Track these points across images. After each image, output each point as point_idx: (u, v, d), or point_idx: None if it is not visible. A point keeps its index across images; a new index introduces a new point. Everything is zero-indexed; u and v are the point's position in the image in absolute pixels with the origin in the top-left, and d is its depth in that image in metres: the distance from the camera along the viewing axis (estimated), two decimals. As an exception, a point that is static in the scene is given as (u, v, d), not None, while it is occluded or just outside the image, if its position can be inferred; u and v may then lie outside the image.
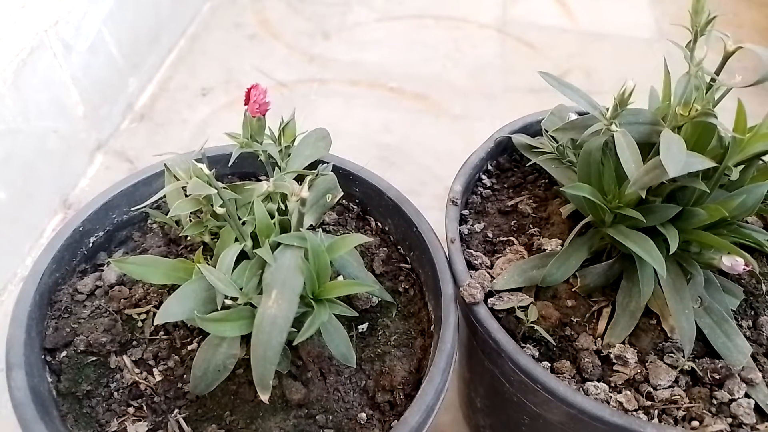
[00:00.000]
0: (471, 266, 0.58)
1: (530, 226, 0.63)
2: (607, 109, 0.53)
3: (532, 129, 0.68)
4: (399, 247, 0.63)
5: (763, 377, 0.53)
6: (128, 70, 1.19)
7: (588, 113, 0.55)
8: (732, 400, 0.51)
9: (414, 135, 1.20)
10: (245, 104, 0.49)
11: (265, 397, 0.43)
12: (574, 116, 0.62)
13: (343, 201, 0.66)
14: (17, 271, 0.93)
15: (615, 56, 1.38)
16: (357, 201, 0.66)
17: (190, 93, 1.26)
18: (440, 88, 1.30)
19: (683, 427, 0.50)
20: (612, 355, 0.53)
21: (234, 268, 0.47)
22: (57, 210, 1.02)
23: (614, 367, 0.53)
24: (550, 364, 0.53)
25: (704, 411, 0.51)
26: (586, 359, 0.53)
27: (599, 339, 0.55)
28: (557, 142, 0.61)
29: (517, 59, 1.38)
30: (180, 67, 1.32)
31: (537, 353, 0.54)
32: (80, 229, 0.57)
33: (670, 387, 0.52)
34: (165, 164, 0.53)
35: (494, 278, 0.57)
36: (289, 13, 1.49)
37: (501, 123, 0.70)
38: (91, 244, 0.59)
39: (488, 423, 0.70)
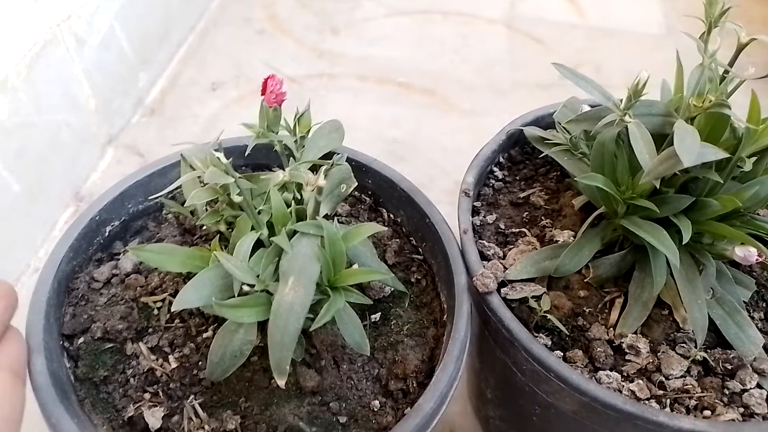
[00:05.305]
0: (483, 257, 0.59)
1: (542, 217, 0.63)
2: (621, 101, 0.53)
3: (544, 122, 0.68)
4: (411, 238, 0.64)
5: (775, 368, 0.53)
6: (139, 64, 1.19)
7: (600, 105, 0.55)
8: (744, 390, 0.52)
9: (422, 130, 1.20)
10: (262, 94, 0.49)
11: (281, 382, 0.44)
12: (586, 108, 0.62)
13: (356, 192, 0.67)
14: (30, 263, 0.94)
15: (624, 52, 1.38)
16: (369, 192, 0.66)
17: (200, 88, 1.27)
18: (448, 84, 1.30)
19: (695, 416, 0.50)
20: (624, 345, 0.54)
21: (250, 257, 0.48)
22: (69, 203, 1.03)
23: (626, 357, 0.54)
24: (562, 354, 0.54)
25: (716, 401, 0.51)
26: (599, 349, 0.53)
27: (611, 329, 0.55)
28: (570, 134, 0.62)
29: (525, 55, 1.38)
30: (190, 62, 1.32)
31: (549, 343, 0.54)
32: (97, 218, 0.58)
33: (682, 377, 0.52)
34: (181, 154, 0.54)
35: (507, 269, 0.57)
36: (298, 8, 1.49)
37: (509, 118, 0.70)
38: (107, 234, 0.59)
39: (498, 414, 0.70)
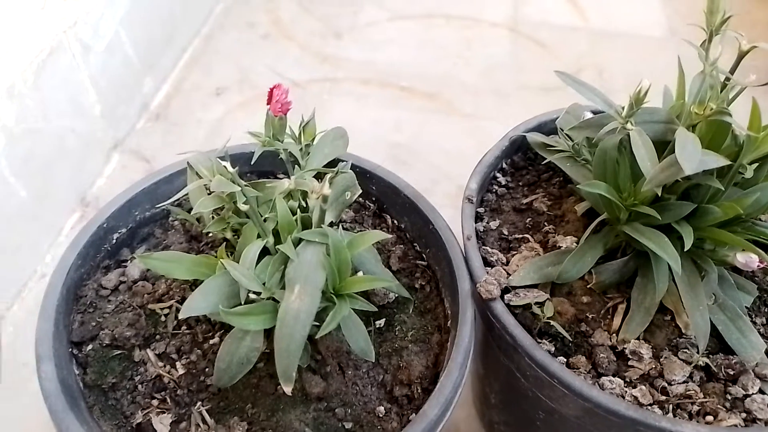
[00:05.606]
0: (487, 263, 0.59)
1: (545, 223, 0.64)
2: (623, 108, 0.53)
3: (547, 128, 0.69)
4: (415, 244, 0.64)
5: (777, 373, 0.53)
6: (144, 70, 1.20)
7: (603, 112, 0.56)
8: (746, 396, 0.52)
9: (425, 134, 1.21)
10: (267, 104, 0.50)
11: (288, 389, 0.45)
12: (589, 115, 0.63)
13: (360, 199, 0.67)
14: (37, 269, 0.94)
15: (626, 55, 1.38)
16: (374, 199, 0.67)
17: (205, 93, 1.28)
18: (451, 87, 1.31)
19: (698, 421, 0.51)
20: (627, 351, 0.54)
21: (256, 264, 0.48)
22: (75, 208, 1.03)
23: (629, 363, 0.54)
24: (565, 360, 0.54)
25: (719, 406, 0.51)
26: (602, 355, 0.54)
27: (614, 335, 0.55)
28: (572, 141, 0.62)
29: (528, 58, 1.38)
30: (194, 67, 1.33)
31: (553, 349, 0.55)
32: (104, 225, 0.58)
33: (684, 382, 0.53)
34: (188, 162, 0.54)
35: (510, 275, 0.58)
36: (301, 12, 1.50)
37: (512, 122, 0.71)
38: (114, 241, 0.60)
39: (503, 419, 0.71)
